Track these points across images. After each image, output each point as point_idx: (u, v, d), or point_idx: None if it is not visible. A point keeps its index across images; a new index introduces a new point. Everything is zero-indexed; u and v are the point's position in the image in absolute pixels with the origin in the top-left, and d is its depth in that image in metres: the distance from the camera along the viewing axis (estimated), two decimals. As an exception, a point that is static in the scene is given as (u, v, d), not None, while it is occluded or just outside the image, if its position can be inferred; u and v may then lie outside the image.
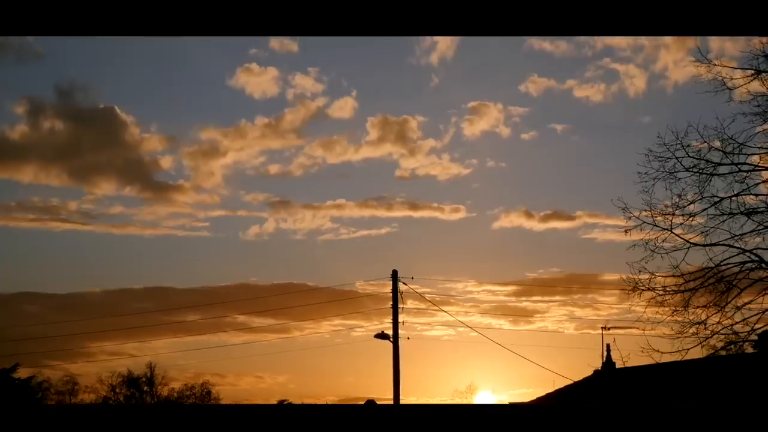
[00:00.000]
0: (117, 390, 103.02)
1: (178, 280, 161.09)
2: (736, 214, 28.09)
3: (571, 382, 48.09)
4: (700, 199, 28.36)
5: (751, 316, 28.19)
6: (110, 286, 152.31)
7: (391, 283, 49.76)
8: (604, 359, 45.18)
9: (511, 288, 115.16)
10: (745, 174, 28.11)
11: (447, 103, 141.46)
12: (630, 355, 31.55)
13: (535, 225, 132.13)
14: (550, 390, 49.98)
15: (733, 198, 28.09)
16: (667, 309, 28.58)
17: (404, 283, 49.80)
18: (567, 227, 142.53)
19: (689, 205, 28.58)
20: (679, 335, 28.21)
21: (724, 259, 28.26)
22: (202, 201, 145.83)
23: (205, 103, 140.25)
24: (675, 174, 28.37)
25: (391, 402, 49.29)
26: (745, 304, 28.21)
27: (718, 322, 28.14)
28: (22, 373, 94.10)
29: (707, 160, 28.20)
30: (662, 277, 28.63)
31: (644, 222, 28.77)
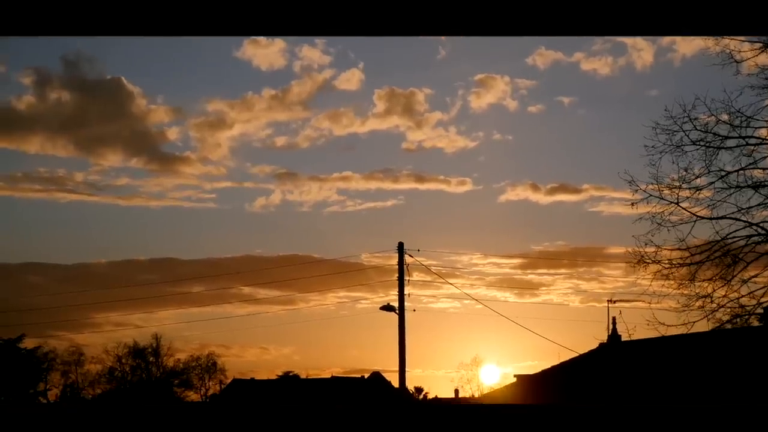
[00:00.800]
0: (123, 360, 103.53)
1: (184, 251, 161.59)
2: (743, 187, 28.08)
3: (577, 354, 48.14)
4: (707, 172, 28.34)
5: (758, 290, 28.23)
6: (116, 257, 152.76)
7: (397, 255, 49.74)
8: (610, 332, 45.17)
9: (516, 261, 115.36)
10: (752, 147, 28.07)
11: (454, 75, 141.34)
12: (636, 328, 31.70)
13: (541, 198, 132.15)
14: (555, 362, 50.03)
15: (740, 171, 28.08)
16: (673, 282, 28.63)
17: (410, 256, 49.83)
18: (573, 200, 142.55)
19: (696, 178, 28.57)
20: (685, 308, 28.27)
21: (731, 233, 28.28)
22: (208, 173, 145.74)
23: (212, 75, 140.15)
24: (682, 147, 28.34)
25: (397, 374, 49.45)
26: (752, 277, 28.25)
27: (724, 296, 28.19)
28: (28, 343, 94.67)
29: (714, 134, 28.16)
30: (668, 250, 28.66)
31: (651, 195, 28.77)
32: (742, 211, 28.20)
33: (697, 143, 28.21)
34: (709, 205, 28.54)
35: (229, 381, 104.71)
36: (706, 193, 28.62)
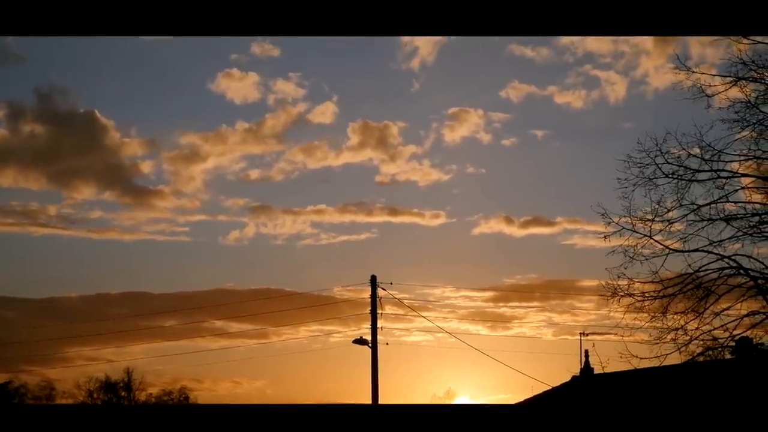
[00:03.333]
0: (95, 395, 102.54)
1: (157, 285, 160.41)
2: (716, 220, 28.21)
3: (550, 387, 48.07)
4: (679, 205, 28.50)
5: (730, 322, 28.31)
6: (88, 291, 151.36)
7: (369, 288, 49.62)
8: (583, 365, 45.16)
9: (488, 294, 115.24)
10: (724, 180, 28.25)
11: (428, 108, 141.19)
12: (609, 360, 31.66)
13: (515, 231, 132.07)
14: (529, 396, 49.96)
15: (713, 204, 28.23)
16: (645, 315, 28.69)
17: (383, 289, 49.70)
18: (547, 233, 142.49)
19: (668, 211, 28.70)
20: (658, 341, 28.32)
21: (703, 265, 28.38)
22: (182, 206, 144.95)
23: (186, 108, 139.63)
24: (654, 180, 28.50)
25: (370, 408, 49.23)
26: (724, 310, 28.33)
27: (697, 328, 28.26)
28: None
29: (686, 167, 28.33)
30: (641, 283, 28.75)
31: (624, 228, 28.87)
32: (714, 244, 28.35)
33: (669, 176, 28.40)
34: (681, 238, 28.69)
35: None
36: (678, 226, 28.79)
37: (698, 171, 28.26)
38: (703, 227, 28.31)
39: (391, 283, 51.45)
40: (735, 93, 27.69)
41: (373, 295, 49.38)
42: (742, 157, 28.36)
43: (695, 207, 28.25)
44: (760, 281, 28.00)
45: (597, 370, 42.03)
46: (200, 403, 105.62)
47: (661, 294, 28.44)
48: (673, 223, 28.68)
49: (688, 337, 28.16)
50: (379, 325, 49.30)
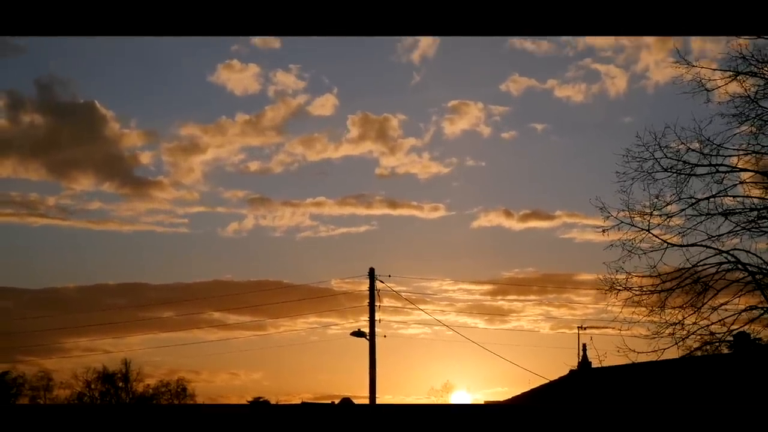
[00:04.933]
0: (92, 386, 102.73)
1: (155, 276, 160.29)
2: (714, 214, 28.18)
3: (547, 381, 48.09)
4: (678, 200, 28.45)
5: (728, 317, 28.30)
6: (85, 281, 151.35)
7: (368, 281, 49.60)
8: (580, 359, 45.16)
9: (486, 287, 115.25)
10: (722, 175, 28.20)
11: (428, 101, 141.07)
12: (606, 354, 31.64)
13: (514, 224, 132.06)
14: (526, 389, 49.98)
15: (711, 199, 28.19)
16: (643, 309, 28.67)
17: (381, 281, 49.68)
18: (546, 227, 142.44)
19: (667, 205, 28.67)
20: (656, 335, 28.31)
21: (701, 260, 28.36)
22: (181, 197, 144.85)
23: (186, 99, 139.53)
24: (653, 174, 28.44)
25: (367, 400, 49.20)
26: (722, 304, 28.31)
27: (695, 323, 28.23)
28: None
29: (685, 161, 28.27)
30: (639, 277, 28.71)
31: (622, 222, 28.84)
32: (713, 238, 28.33)
33: (668, 170, 28.35)
34: (679, 233, 28.66)
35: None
36: (676, 221, 28.76)
37: (697, 165, 28.25)
38: (701, 222, 28.31)
39: (390, 276, 51.49)
40: (734, 88, 27.68)
41: (372, 288, 49.36)
42: (741, 152, 28.34)
43: (694, 201, 28.25)
44: (758, 276, 27.99)
45: (595, 363, 42.09)
46: (197, 395, 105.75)
47: (659, 288, 28.43)
48: (671, 217, 28.68)
49: (685, 332, 28.17)
50: (377, 317, 49.33)
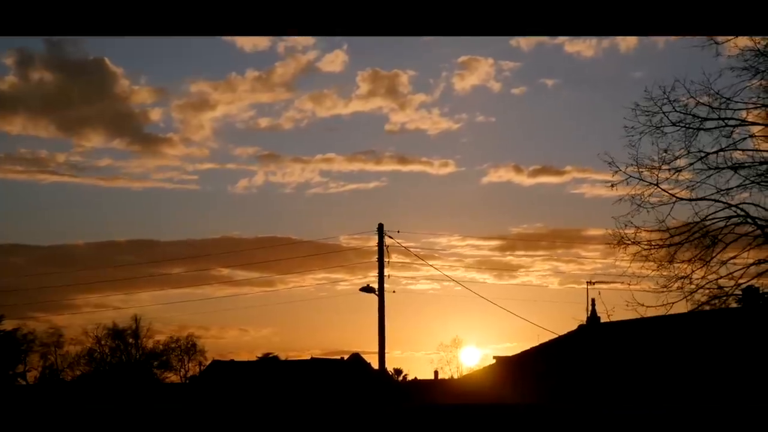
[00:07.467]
0: (102, 342, 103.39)
1: (164, 233, 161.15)
2: (723, 168, 28.08)
3: (556, 336, 48.31)
4: (687, 153, 28.32)
5: (736, 271, 28.28)
6: (95, 238, 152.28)
7: (376, 236, 49.63)
8: (589, 313, 45.32)
9: (495, 243, 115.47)
10: (731, 129, 28.06)
11: (438, 57, 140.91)
12: (615, 309, 31.58)
13: (524, 180, 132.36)
14: (535, 344, 50.21)
15: (720, 153, 28.07)
16: (652, 263, 28.64)
17: (390, 237, 49.71)
18: (556, 182, 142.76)
19: (675, 159, 28.55)
20: (664, 290, 28.30)
21: (710, 214, 28.30)
22: (191, 154, 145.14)
23: (196, 56, 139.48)
24: (662, 128, 28.29)
25: (377, 356, 49.44)
26: (730, 258, 28.28)
27: (703, 277, 28.22)
28: (7, 325, 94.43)
29: (694, 115, 28.12)
30: (648, 231, 28.67)
31: (631, 176, 28.73)
32: (722, 192, 28.23)
33: (677, 124, 28.20)
34: (688, 187, 28.57)
35: (208, 362, 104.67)
36: (685, 175, 28.65)
37: (706, 119, 28.10)
38: (710, 176, 28.20)
39: (399, 231, 51.56)
40: (745, 41, 27.47)
41: (381, 244, 49.39)
42: (751, 106, 28.19)
43: (702, 155, 28.12)
44: (767, 230, 27.96)
45: (603, 318, 42.24)
46: (207, 350, 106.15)
47: (667, 243, 28.41)
48: (680, 171, 28.57)
49: (694, 286, 28.16)
50: (386, 273, 49.40)
